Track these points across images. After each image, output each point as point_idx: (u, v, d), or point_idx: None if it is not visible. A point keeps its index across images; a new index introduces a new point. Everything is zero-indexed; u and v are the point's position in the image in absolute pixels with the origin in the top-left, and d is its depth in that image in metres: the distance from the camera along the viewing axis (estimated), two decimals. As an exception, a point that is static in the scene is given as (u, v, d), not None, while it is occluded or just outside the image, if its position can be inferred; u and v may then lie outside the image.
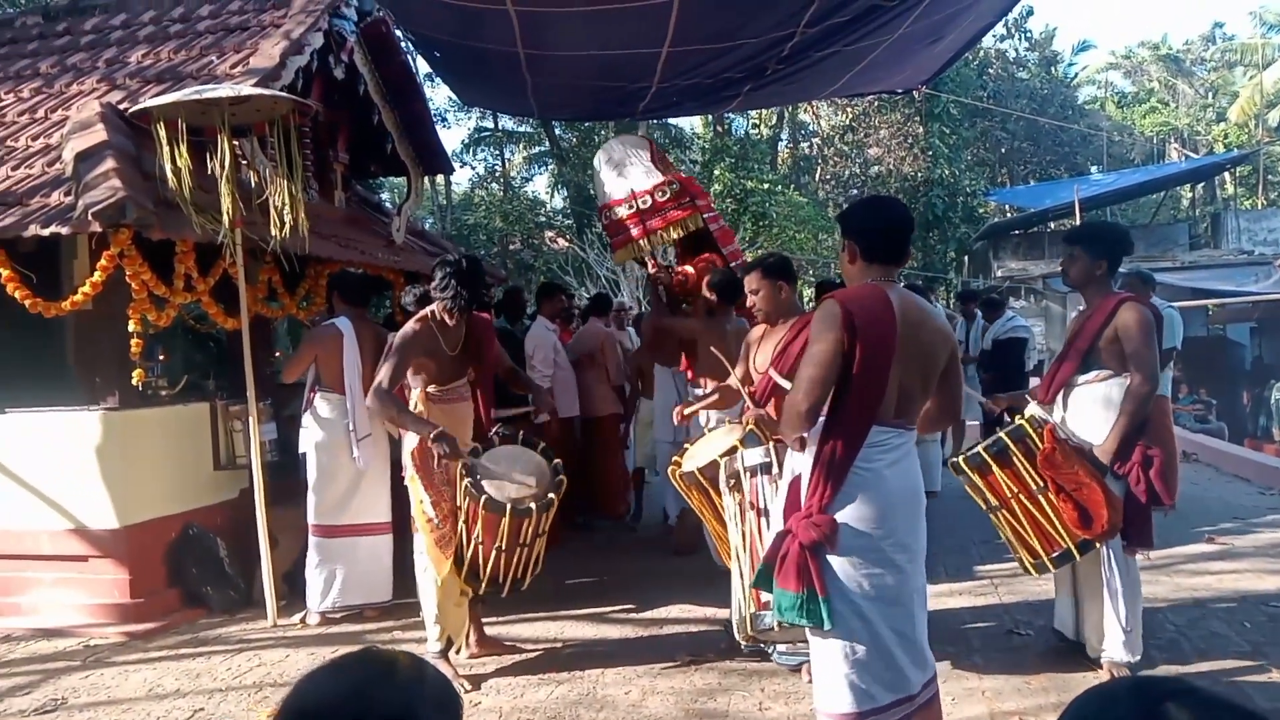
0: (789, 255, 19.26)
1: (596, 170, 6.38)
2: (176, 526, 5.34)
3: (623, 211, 6.07)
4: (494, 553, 3.90)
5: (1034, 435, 3.71)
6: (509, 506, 3.82)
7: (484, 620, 4.49)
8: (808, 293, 24.57)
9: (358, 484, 5.18)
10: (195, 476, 5.50)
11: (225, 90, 4.82)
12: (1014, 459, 3.71)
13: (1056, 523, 3.64)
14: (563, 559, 4.28)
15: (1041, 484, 3.65)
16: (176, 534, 5.33)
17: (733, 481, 3.54)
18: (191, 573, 5.31)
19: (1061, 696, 3.64)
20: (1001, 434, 3.77)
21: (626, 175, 6.12)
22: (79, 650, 4.76)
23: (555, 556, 4.24)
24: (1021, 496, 3.70)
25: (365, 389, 5.02)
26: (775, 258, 4.27)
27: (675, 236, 6.12)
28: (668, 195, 6.04)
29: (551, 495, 3.96)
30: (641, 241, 6.08)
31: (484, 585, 4.00)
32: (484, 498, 3.80)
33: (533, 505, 3.87)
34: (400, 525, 5.28)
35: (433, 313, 4.17)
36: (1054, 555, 3.69)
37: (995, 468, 3.73)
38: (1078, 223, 15.96)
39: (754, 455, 3.50)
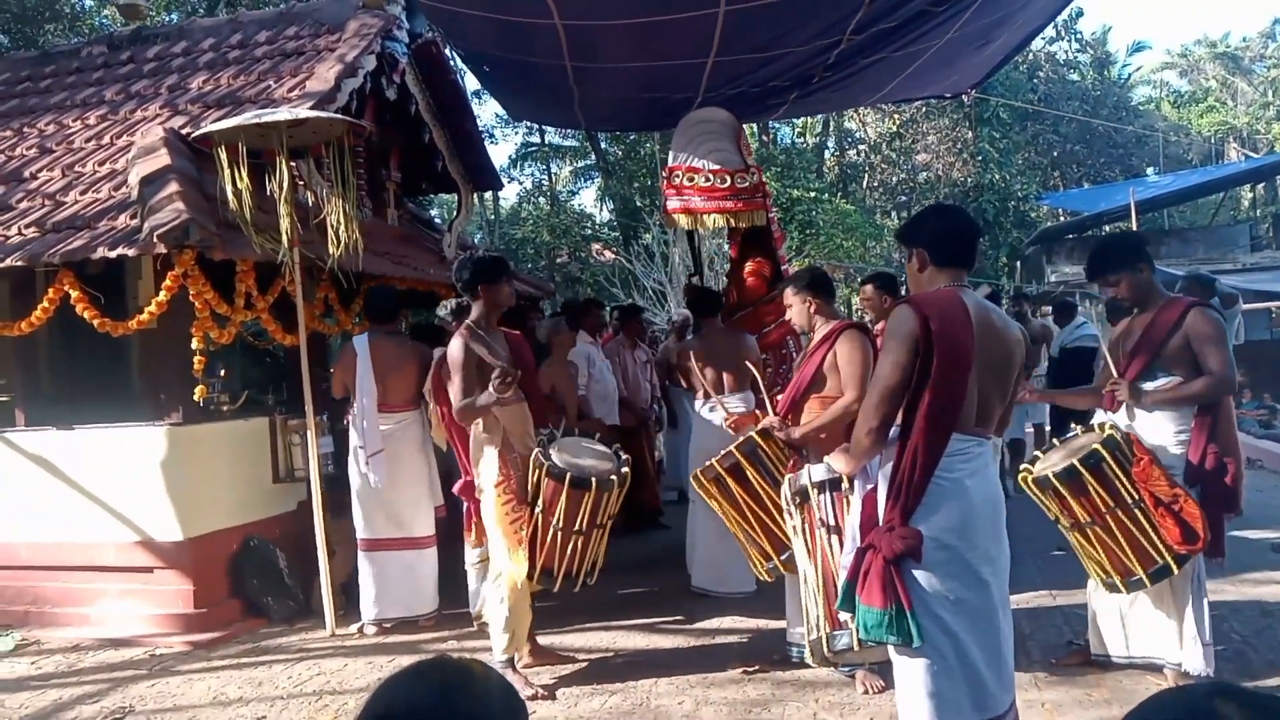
0: (838, 263, 19.17)
1: (681, 129, 6.24)
2: (238, 538, 5.47)
3: (699, 181, 6.01)
4: (573, 538, 3.97)
5: (1124, 446, 3.54)
6: (593, 480, 3.92)
7: (537, 631, 4.53)
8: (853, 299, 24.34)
9: (397, 497, 5.22)
10: (255, 489, 5.63)
11: (283, 114, 4.95)
12: (1110, 472, 3.52)
13: (1155, 537, 3.48)
14: (614, 569, 4.30)
15: (1137, 497, 3.48)
16: (238, 545, 5.46)
17: (798, 500, 3.49)
18: (252, 583, 5.43)
19: (1124, 710, 3.55)
20: (1096, 446, 3.54)
21: (711, 146, 6.06)
22: (145, 659, 4.89)
23: (606, 566, 4.26)
24: (1118, 511, 3.52)
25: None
26: (804, 273, 4.32)
27: (735, 225, 6.15)
28: (745, 184, 6.02)
29: (625, 470, 4.09)
30: (706, 217, 6.06)
31: (558, 581, 4.04)
32: (569, 475, 3.91)
33: (614, 477, 4.00)
34: (451, 537, 5.35)
35: (473, 323, 4.23)
36: (1151, 571, 3.51)
37: (1091, 482, 3.53)
38: (1134, 225, 15.60)
39: (819, 471, 3.46)
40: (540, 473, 3.97)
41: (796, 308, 4.11)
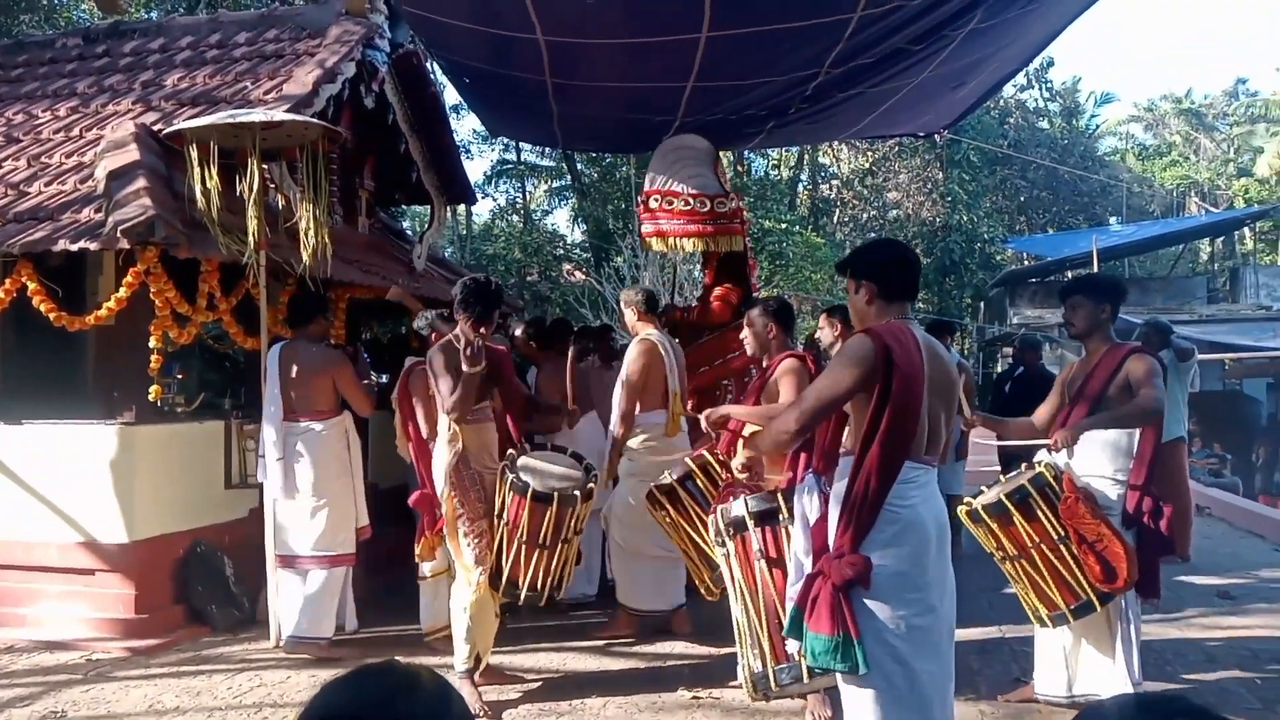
0: (805, 295, 19.33)
1: (659, 154, 6.32)
2: (184, 543, 5.36)
3: (679, 205, 6.12)
4: (537, 552, 3.97)
5: (1054, 483, 3.65)
6: (556, 495, 3.94)
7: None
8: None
9: (299, 511, 4.89)
10: (206, 494, 5.53)
11: (258, 115, 4.91)
12: (1036, 508, 3.63)
13: (1079, 574, 3.56)
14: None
15: (1064, 534, 3.58)
16: (184, 551, 5.35)
17: (732, 530, 3.46)
18: (197, 590, 5.32)
19: (1069, 748, 3.58)
20: (1024, 482, 3.68)
21: (691, 171, 6.15)
22: (81, 664, 4.77)
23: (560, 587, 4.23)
24: (1043, 546, 3.61)
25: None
26: (773, 301, 4.43)
27: (713, 249, 6.24)
28: (725, 208, 6.14)
29: (591, 485, 4.11)
30: (684, 241, 6.16)
31: (523, 592, 4.03)
32: (530, 489, 3.92)
33: (577, 493, 4.01)
34: (406, 552, 5.25)
35: (456, 336, 4.23)
36: (1074, 607, 3.60)
37: (1017, 517, 3.64)
38: (1095, 272, 15.93)
39: (756, 502, 3.45)
40: (505, 487, 3.99)
41: (757, 331, 4.21)
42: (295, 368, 4.96)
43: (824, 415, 2.63)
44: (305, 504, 4.91)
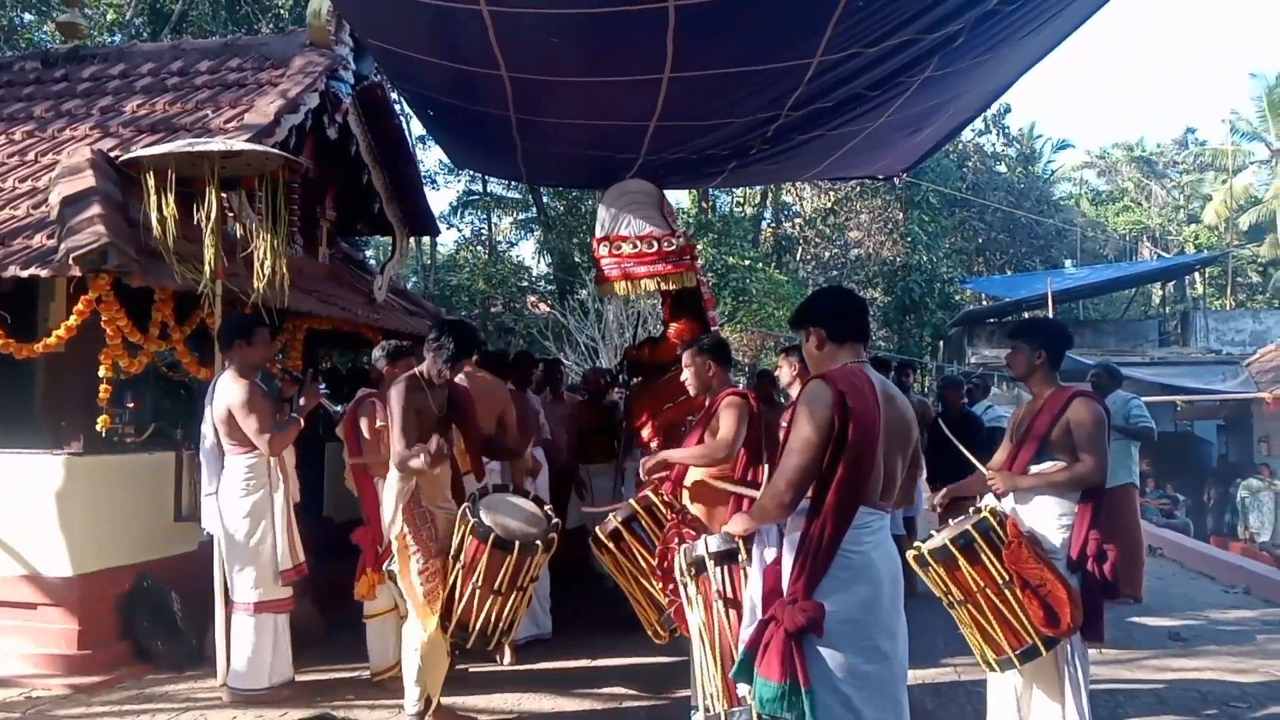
0: (768, 331, 19.50)
1: (606, 203, 6.51)
2: (130, 577, 5.22)
3: (626, 249, 6.31)
4: (490, 597, 3.89)
5: (998, 528, 3.66)
6: (516, 543, 3.86)
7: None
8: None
9: (227, 553, 4.65)
10: (155, 527, 5.39)
11: (217, 144, 4.88)
12: (981, 553, 3.62)
13: (1024, 618, 3.56)
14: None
15: (1008, 578, 3.58)
16: (130, 585, 5.21)
17: (694, 570, 3.48)
18: (142, 626, 5.17)
19: (1021, 790, 3.58)
20: (968, 527, 3.67)
21: (636, 215, 6.32)
22: (20, 701, 4.61)
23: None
24: (988, 591, 3.60)
25: (222, 446, 4.67)
26: (705, 338, 4.47)
27: (665, 288, 6.35)
28: (673, 247, 6.30)
29: (552, 535, 4.04)
30: (640, 282, 6.33)
31: (472, 638, 3.95)
32: (492, 535, 3.84)
33: (538, 542, 3.94)
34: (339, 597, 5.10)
35: (420, 372, 4.20)
36: (1020, 651, 3.59)
37: (962, 561, 3.63)
38: (1050, 313, 16.25)
39: (715, 542, 3.46)
40: (465, 529, 3.92)
41: (696, 370, 4.22)
42: (213, 397, 4.72)
43: (810, 471, 2.60)
44: (226, 542, 4.65)
